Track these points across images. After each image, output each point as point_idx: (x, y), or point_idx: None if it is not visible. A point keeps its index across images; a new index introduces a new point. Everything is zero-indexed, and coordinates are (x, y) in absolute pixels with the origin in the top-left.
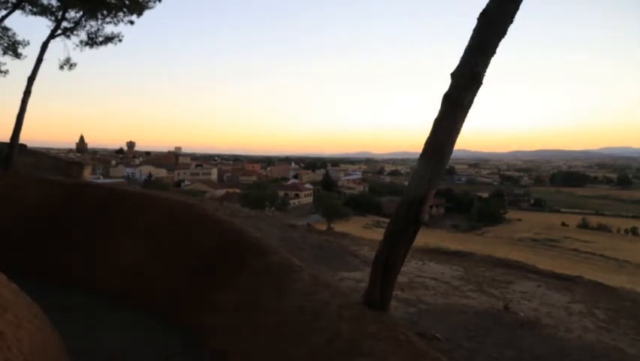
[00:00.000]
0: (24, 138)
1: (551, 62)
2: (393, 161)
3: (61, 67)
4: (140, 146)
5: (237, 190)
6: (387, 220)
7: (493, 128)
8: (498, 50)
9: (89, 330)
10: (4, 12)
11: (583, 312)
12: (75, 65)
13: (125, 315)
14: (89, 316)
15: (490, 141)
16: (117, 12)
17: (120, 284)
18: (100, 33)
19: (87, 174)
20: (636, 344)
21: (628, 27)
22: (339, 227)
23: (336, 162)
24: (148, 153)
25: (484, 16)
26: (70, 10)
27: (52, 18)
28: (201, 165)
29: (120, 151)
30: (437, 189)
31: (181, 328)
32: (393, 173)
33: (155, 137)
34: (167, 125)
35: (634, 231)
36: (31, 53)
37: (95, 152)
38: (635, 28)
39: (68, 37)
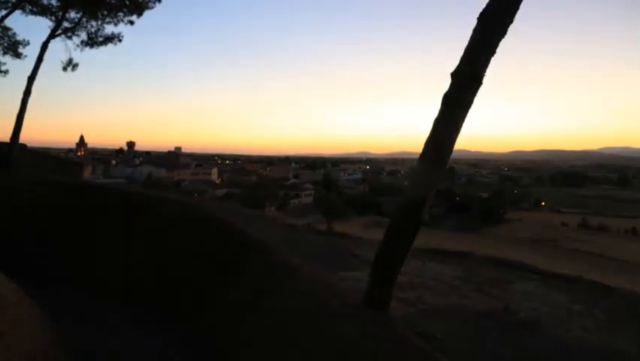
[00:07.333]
0: (24, 138)
1: (552, 62)
2: (393, 161)
3: (65, 68)
4: (140, 146)
5: (237, 190)
6: (387, 220)
7: (493, 128)
8: (498, 50)
9: (89, 330)
10: (4, 12)
11: (583, 312)
12: (77, 65)
13: (125, 315)
14: (89, 316)
15: (490, 141)
16: (117, 12)
17: (120, 284)
18: (100, 33)
19: (87, 174)
20: (636, 344)
21: (628, 28)
22: (339, 227)
23: (336, 162)
24: (148, 153)
25: (484, 16)
26: (70, 10)
27: (53, 18)
28: (201, 165)
29: (120, 151)
30: (437, 189)
31: (181, 328)
32: (393, 173)
33: (155, 137)
34: (167, 125)
35: (634, 231)
36: (31, 52)
37: (94, 152)
38: (634, 29)
39: (69, 37)
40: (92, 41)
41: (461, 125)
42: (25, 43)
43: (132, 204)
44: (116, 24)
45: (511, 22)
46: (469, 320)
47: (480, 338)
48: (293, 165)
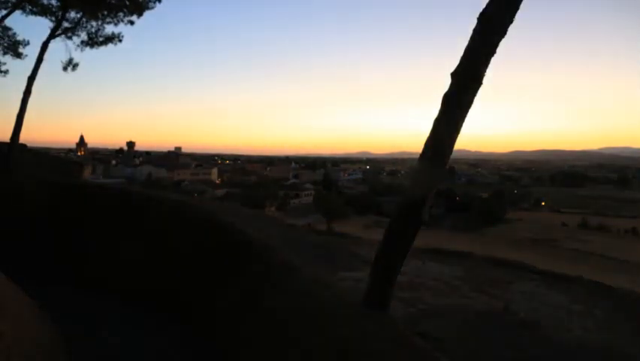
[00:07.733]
0: (24, 138)
1: (552, 62)
2: (393, 161)
3: (65, 68)
4: (140, 146)
5: (237, 190)
6: (387, 220)
7: (493, 128)
8: (498, 50)
9: (89, 330)
10: (4, 12)
11: (583, 312)
12: (78, 65)
13: (125, 315)
14: (89, 316)
15: (490, 141)
16: (117, 12)
17: (120, 284)
18: (100, 33)
19: (87, 174)
20: (636, 344)
21: (628, 27)
22: (339, 227)
23: (336, 162)
24: (148, 153)
25: (484, 16)
26: (70, 10)
27: (53, 18)
28: (201, 165)
29: (120, 151)
30: (437, 189)
31: (181, 328)
32: (393, 173)
33: (155, 137)
34: (167, 125)
35: (634, 231)
36: (31, 52)
37: (94, 152)
38: (634, 29)
39: (69, 37)
40: (92, 41)
41: (461, 125)
42: (25, 43)
43: (132, 204)
44: (116, 24)
45: (511, 22)
46: (469, 320)
47: (480, 338)
48: (293, 165)
